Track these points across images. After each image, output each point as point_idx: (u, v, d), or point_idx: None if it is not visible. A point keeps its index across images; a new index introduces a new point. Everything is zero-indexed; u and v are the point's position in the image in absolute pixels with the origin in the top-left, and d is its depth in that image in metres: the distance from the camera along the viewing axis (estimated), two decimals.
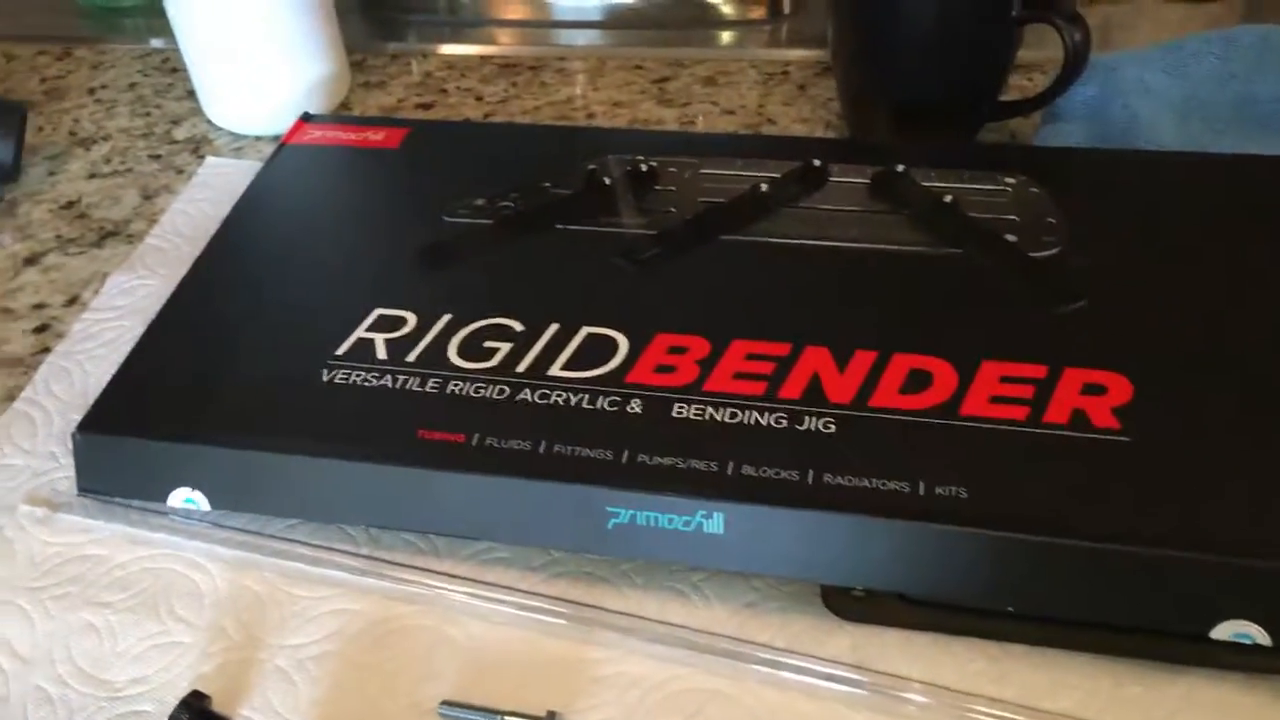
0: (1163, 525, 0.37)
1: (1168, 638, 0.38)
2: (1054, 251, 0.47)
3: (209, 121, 0.66)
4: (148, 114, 0.67)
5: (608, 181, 0.54)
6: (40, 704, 0.40)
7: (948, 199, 0.50)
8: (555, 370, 0.44)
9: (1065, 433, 0.40)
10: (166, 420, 0.45)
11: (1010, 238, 0.47)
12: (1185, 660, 0.38)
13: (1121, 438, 0.39)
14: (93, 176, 0.63)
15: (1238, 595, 0.36)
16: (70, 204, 0.61)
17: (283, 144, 0.59)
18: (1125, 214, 0.49)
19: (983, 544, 0.37)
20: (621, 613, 0.41)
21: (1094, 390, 0.41)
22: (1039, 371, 0.42)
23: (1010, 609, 0.38)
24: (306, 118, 0.61)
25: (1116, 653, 0.39)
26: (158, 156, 0.64)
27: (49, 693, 0.40)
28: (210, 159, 0.63)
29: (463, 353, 0.46)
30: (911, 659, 0.39)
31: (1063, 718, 0.37)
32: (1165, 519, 0.37)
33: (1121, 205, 0.49)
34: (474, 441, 0.42)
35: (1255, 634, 0.36)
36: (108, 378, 0.49)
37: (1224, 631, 0.36)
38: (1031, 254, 0.46)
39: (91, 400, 0.48)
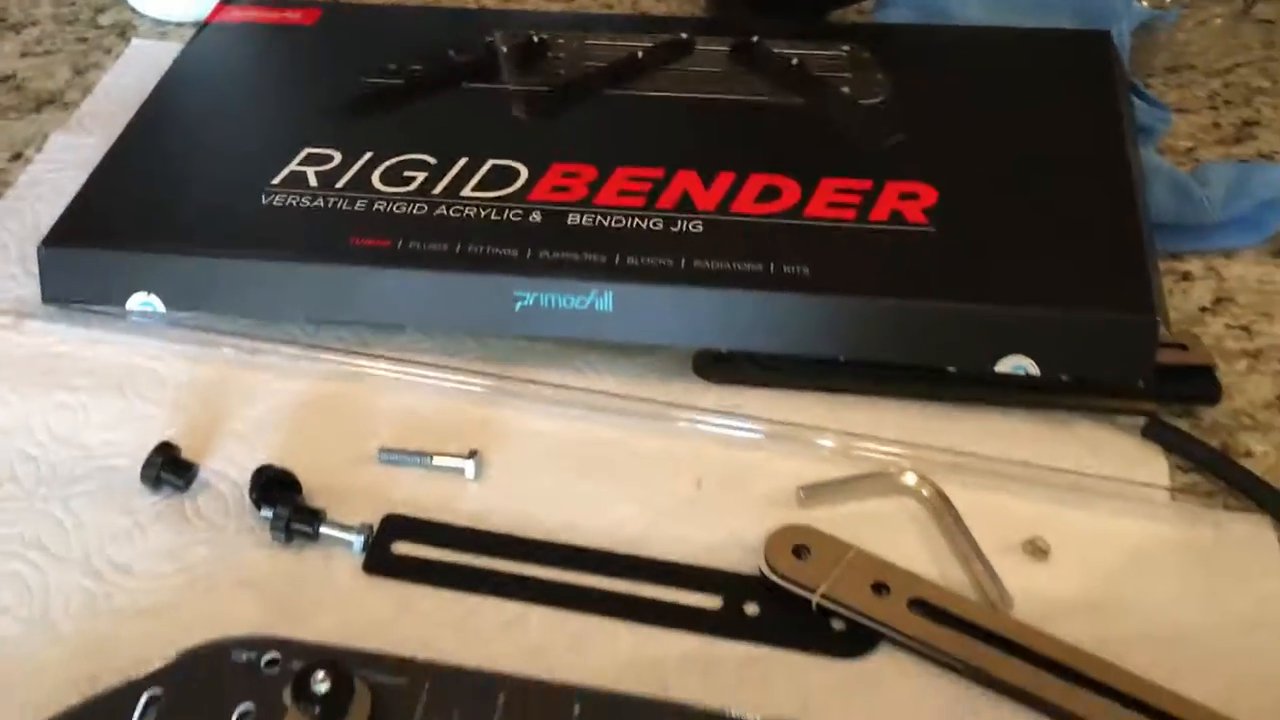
0: (957, 286, 0.47)
1: (964, 381, 0.48)
2: (880, 100, 0.56)
3: (133, 9, 0.71)
4: (73, 2, 0.72)
5: (505, 50, 0.62)
6: (25, 461, 0.47)
7: (794, 61, 0.59)
8: (467, 191, 0.52)
9: (885, 227, 0.49)
10: (124, 232, 0.51)
11: (845, 90, 0.57)
12: (978, 398, 0.48)
13: (929, 229, 0.49)
14: (25, 55, 0.68)
15: (1014, 336, 0.46)
16: (6, 78, 0.66)
17: (206, 23, 0.65)
18: (940, 73, 0.59)
19: (821, 307, 0.47)
20: (529, 380, 0.50)
21: (908, 197, 0.51)
22: (866, 185, 0.51)
23: (841, 359, 0.48)
24: (226, 0, 0.67)
25: (925, 397, 0.49)
26: (84, 39, 0.69)
27: (31, 453, 0.47)
28: (136, 40, 0.69)
29: (385, 180, 0.53)
30: (765, 408, 0.49)
31: (887, 441, 0.47)
32: (959, 282, 0.47)
33: (936, 67, 0.59)
34: (399, 245, 0.50)
35: (1028, 365, 0.46)
36: (58, 214, 0.54)
37: (1006, 365, 0.46)
38: (861, 101, 0.56)
39: (44, 233, 0.54)
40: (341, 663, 0.37)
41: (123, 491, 0.46)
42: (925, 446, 0.47)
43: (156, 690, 0.38)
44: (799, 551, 0.43)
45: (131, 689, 0.38)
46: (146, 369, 0.50)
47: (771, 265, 0.48)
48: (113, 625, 0.42)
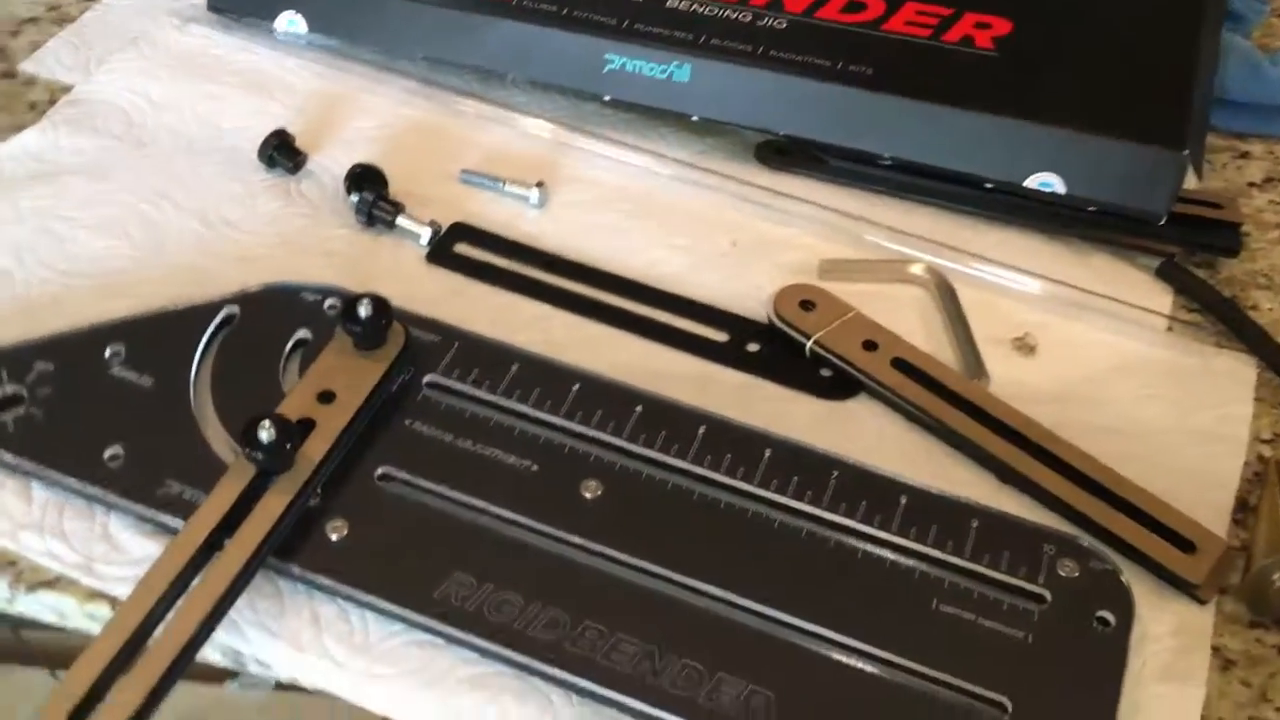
0: (1004, 101, 0.50)
1: (996, 195, 0.51)
2: None
3: None
4: None
5: None
6: (169, 132, 0.55)
7: None
8: None
9: (954, 47, 0.53)
10: None
11: None
12: (1006, 214, 0.52)
13: (994, 54, 0.52)
14: None
15: (1047, 152, 0.49)
16: None
17: None
18: None
19: (876, 103, 0.51)
20: (603, 135, 0.55)
21: (983, 26, 0.54)
22: (946, 11, 0.54)
23: (887, 159, 0.52)
24: None
25: (957, 204, 0.52)
26: None
27: (176, 127, 0.55)
28: None
29: None
30: (810, 195, 0.53)
31: (911, 237, 0.51)
32: (1006, 98, 0.50)
33: None
34: (516, 1, 0.56)
35: (1056, 183, 0.49)
36: None
37: (1034, 181, 0.50)
38: None
39: None
40: (383, 299, 0.43)
41: (243, 167, 0.53)
42: (946, 245, 0.51)
43: (234, 309, 0.46)
44: (805, 305, 0.48)
45: (215, 305, 0.46)
46: (282, 78, 0.57)
47: (840, 63, 0.52)
48: (213, 263, 0.49)
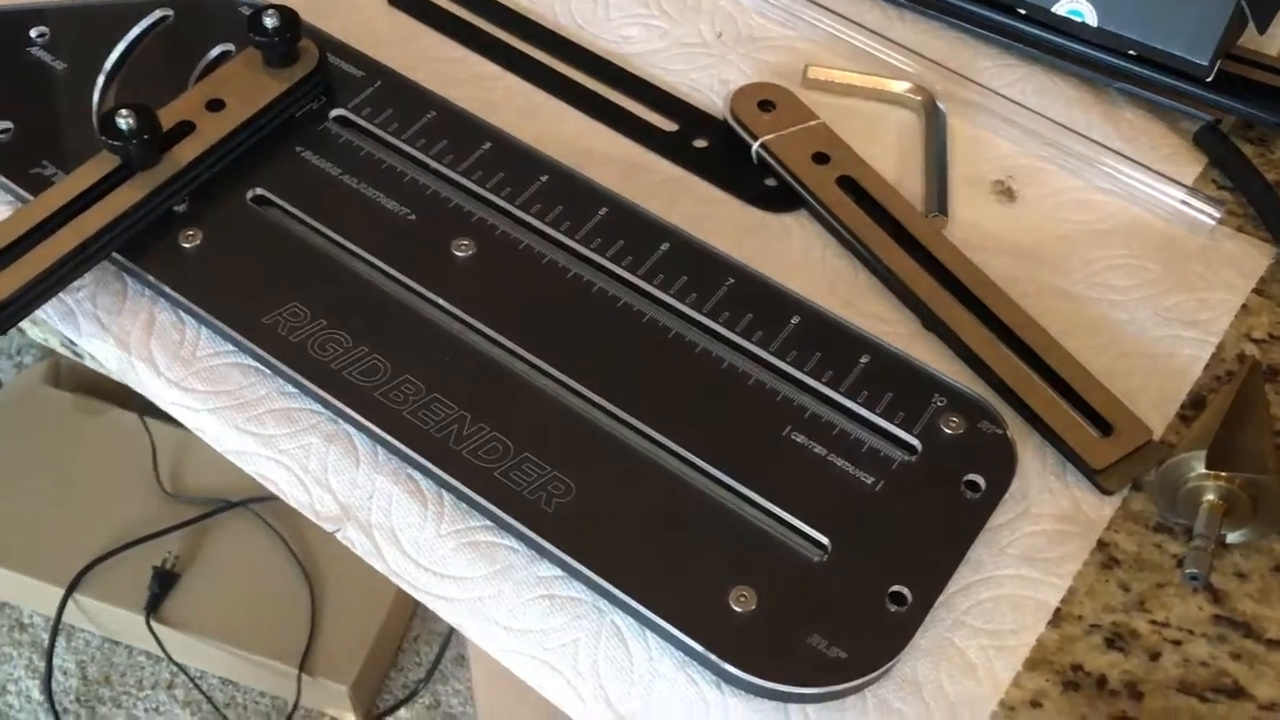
0: None
1: (1027, 23, 0.45)
2: None
3: None
4: None
5: None
6: None
7: None
8: None
9: None
10: None
11: None
12: (1036, 45, 0.45)
13: None
14: None
15: None
16: None
17: None
18: None
19: None
20: None
21: None
22: None
23: None
24: None
25: (978, 24, 0.46)
26: None
27: None
28: None
29: None
30: None
31: (916, 56, 0.45)
32: None
33: None
34: None
35: (1086, 12, 0.42)
36: None
37: (1063, 7, 0.43)
38: None
39: None
40: (294, 14, 0.40)
41: None
42: (952, 72, 0.44)
43: (168, 12, 0.44)
44: (765, 105, 0.43)
45: (151, 2, 0.44)
46: None
47: None
48: None
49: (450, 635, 1.04)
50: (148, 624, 0.97)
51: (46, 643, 1.01)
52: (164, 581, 0.98)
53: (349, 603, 1.00)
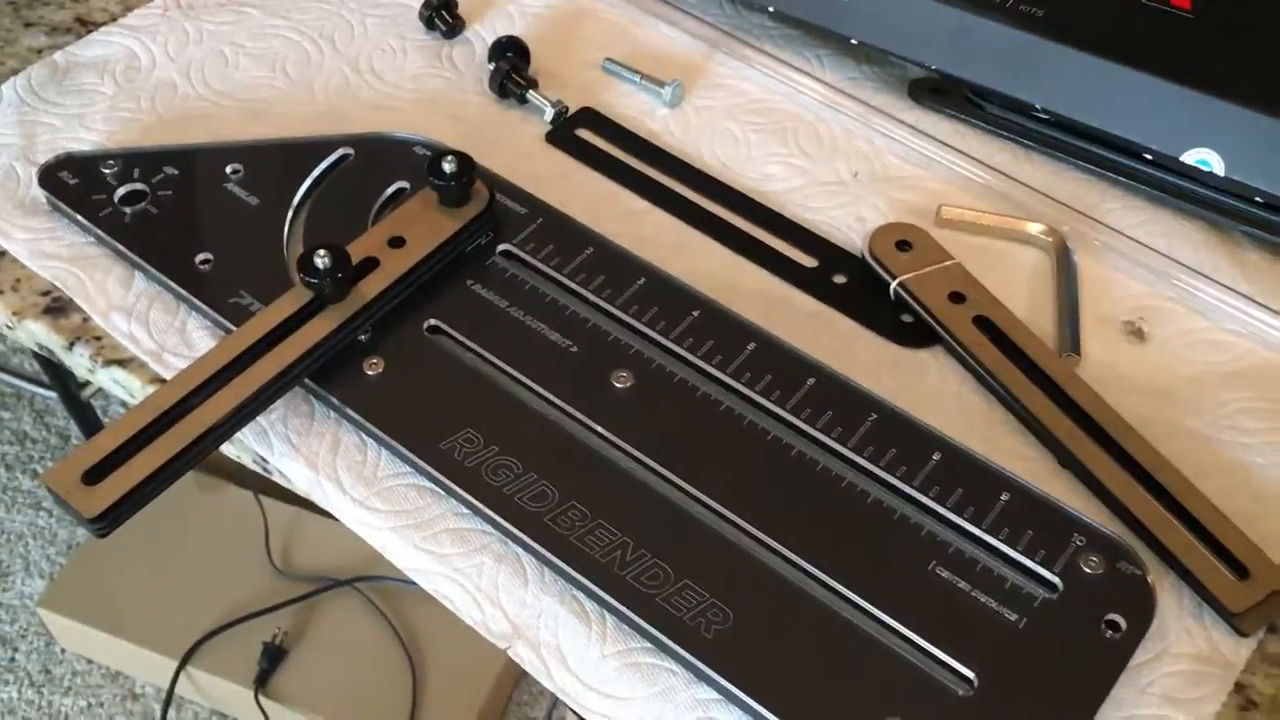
0: (1177, 63, 0.45)
1: (1153, 167, 0.47)
2: None
3: None
4: None
5: None
6: None
7: None
8: None
9: (1146, 1, 0.48)
10: None
11: None
12: (1163, 188, 0.47)
13: (1188, 14, 0.47)
14: None
15: (1208, 126, 0.44)
16: None
17: None
18: None
19: (1037, 49, 0.47)
20: (757, 46, 0.54)
21: None
22: None
23: (1043, 110, 0.48)
24: None
25: (1108, 168, 0.48)
26: None
27: None
28: None
29: None
30: (953, 140, 0.50)
31: (1047, 198, 0.47)
32: (1181, 60, 0.45)
33: None
34: None
35: (1213, 160, 0.44)
36: None
37: (1191, 156, 0.45)
38: None
39: None
40: (469, 158, 0.44)
41: (405, 24, 0.55)
42: (1082, 213, 0.47)
43: (349, 151, 0.48)
44: (902, 245, 0.45)
45: (333, 143, 0.48)
46: None
47: (1010, 0, 0.48)
48: (350, 106, 0.51)
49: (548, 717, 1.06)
50: (256, 699, 1.00)
51: (158, 714, 1.05)
52: (273, 657, 1.02)
53: (450, 683, 1.03)
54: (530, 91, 0.51)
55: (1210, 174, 0.45)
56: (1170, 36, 0.47)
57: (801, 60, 0.54)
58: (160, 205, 0.46)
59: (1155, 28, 0.47)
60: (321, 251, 0.40)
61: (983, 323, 0.43)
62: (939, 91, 0.52)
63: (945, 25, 0.49)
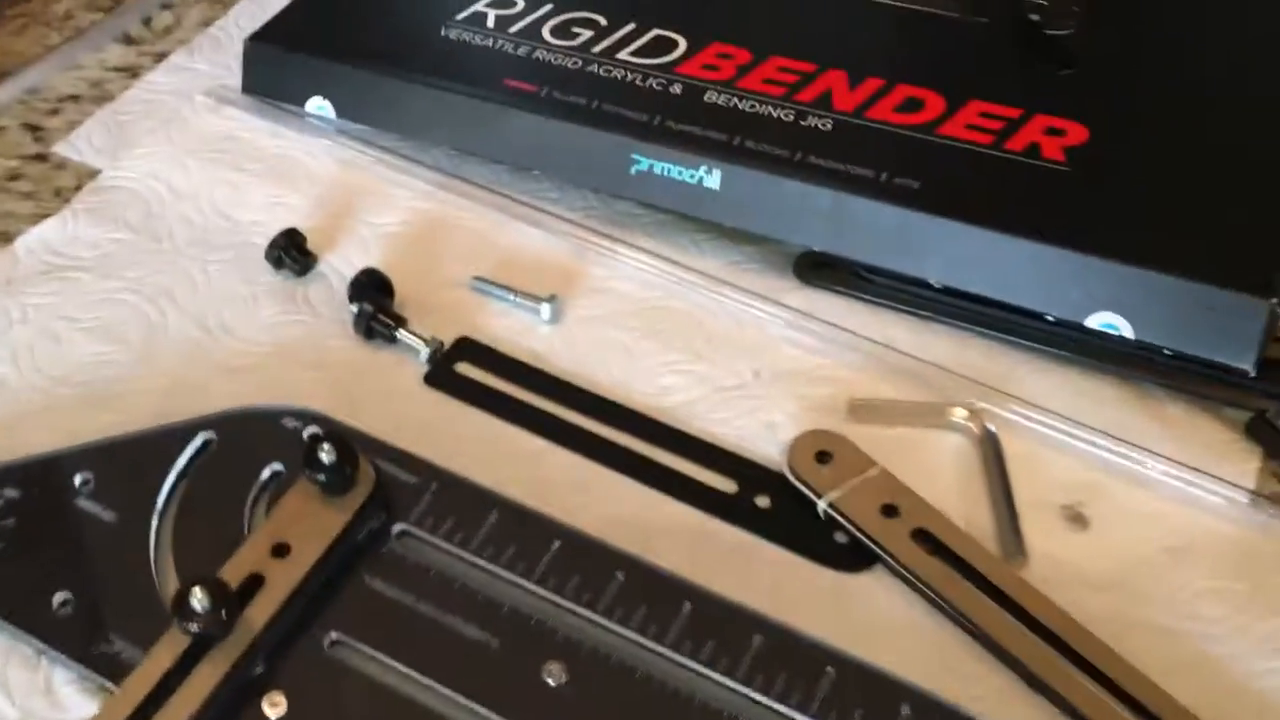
0: (1064, 228, 0.44)
1: (1057, 328, 0.45)
2: (1068, 31, 0.53)
3: None
4: None
5: None
6: (184, 224, 0.53)
7: None
8: (623, 55, 0.53)
9: (1017, 158, 0.47)
10: (314, 40, 0.56)
11: (1035, 16, 0.54)
12: (1070, 348, 0.46)
13: (1064, 168, 0.46)
14: None
15: (1110, 290, 0.43)
16: None
17: None
18: (1148, 15, 0.54)
19: (920, 224, 0.46)
20: (627, 243, 0.51)
21: (1055, 132, 0.48)
22: (1014, 113, 0.49)
23: (935, 284, 0.46)
24: None
25: (1013, 333, 0.46)
26: None
27: (192, 218, 0.53)
28: None
29: (554, 33, 0.55)
30: (847, 320, 0.48)
31: (958, 376, 0.46)
32: (1068, 225, 0.44)
33: (1149, 8, 0.55)
34: (544, 93, 0.52)
35: (1121, 325, 0.43)
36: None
37: (1096, 321, 0.44)
38: (1048, 30, 0.53)
39: None
40: (348, 441, 0.40)
41: (251, 266, 0.51)
42: (995, 389, 0.45)
43: (211, 435, 0.43)
44: (822, 457, 0.43)
45: (190, 430, 0.43)
46: (307, 165, 0.55)
47: (884, 175, 0.47)
48: (203, 374, 0.47)
49: None
50: None
51: None
52: None
53: None
54: (400, 330, 0.47)
55: (1120, 338, 0.43)
56: (1049, 195, 0.45)
57: (678, 249, 0.51)
58: (3, 538, 0.41)
59: (1033, 187, 0.46)
60: (197, 591, 0.36)
61: (921, 535, 0.41)
62: (825, 265, 0.50)
63: (820, 206, 0.47)
